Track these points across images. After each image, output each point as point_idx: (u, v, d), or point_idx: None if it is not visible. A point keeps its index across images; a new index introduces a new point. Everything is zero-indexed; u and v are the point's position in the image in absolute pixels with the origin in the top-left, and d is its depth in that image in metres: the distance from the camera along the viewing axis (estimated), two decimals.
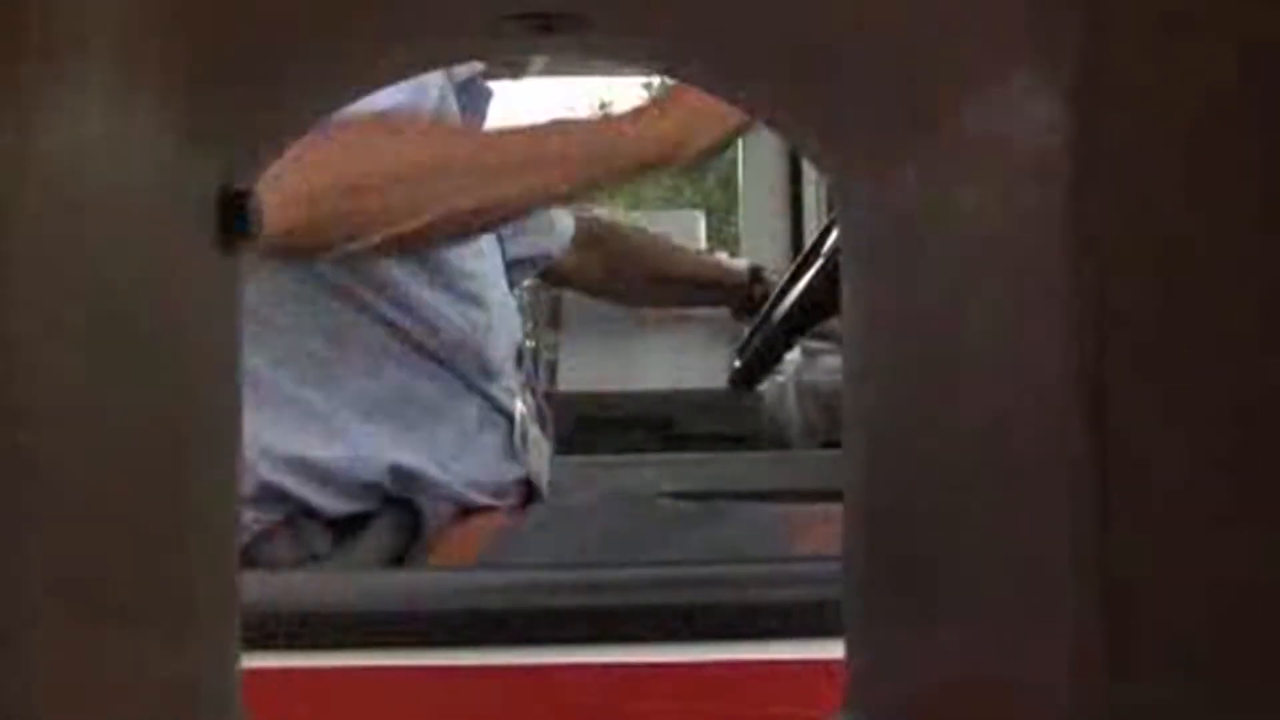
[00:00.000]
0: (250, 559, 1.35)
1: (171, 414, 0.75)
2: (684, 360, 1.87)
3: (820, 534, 1.41)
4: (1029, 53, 0.58)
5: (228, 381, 0.86)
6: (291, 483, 1.48)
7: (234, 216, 0.82)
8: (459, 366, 1.57)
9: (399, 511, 1.51)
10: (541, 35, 0.80)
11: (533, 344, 2.41)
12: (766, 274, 2.26)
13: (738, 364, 1.93)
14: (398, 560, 1.50)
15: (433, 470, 1.52)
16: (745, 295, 2.25)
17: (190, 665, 0.79)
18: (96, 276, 0.64)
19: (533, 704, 1.28)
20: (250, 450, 1.36)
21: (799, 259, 1.93)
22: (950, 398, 0.70)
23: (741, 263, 2.40)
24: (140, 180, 0.70)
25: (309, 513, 1.49)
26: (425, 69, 1.35)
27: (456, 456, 1.55)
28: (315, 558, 1.49)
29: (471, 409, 1.58)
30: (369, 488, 1.50)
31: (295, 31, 0.78)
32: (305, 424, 1.50)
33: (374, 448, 1.50)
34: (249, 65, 0.78)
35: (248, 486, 1.38)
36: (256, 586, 1.08)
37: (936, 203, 0.72)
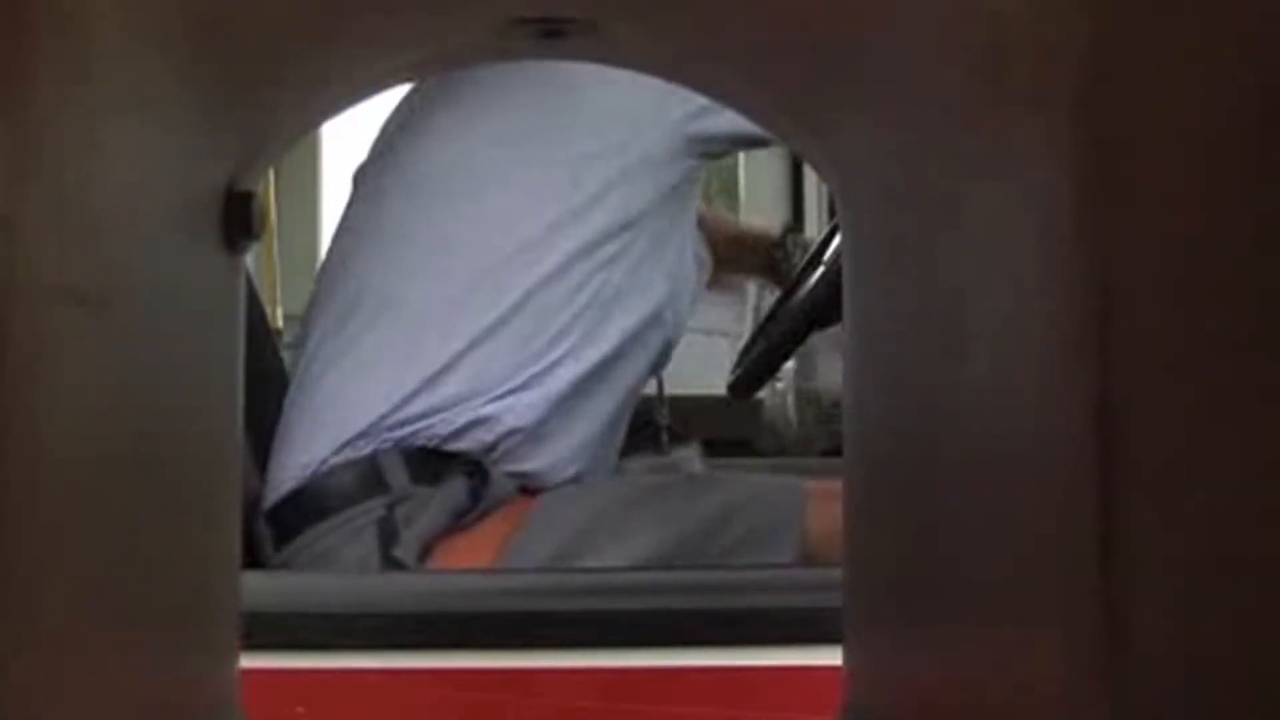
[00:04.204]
0: None
1: (173, 412, 0.75)
2: (684, 366, 1.88)
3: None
4: (1033, 60, 0.58)
5: (230, 380, 0.86)
6: None
7: (238, 217, 0.83)
8: None
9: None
10: (550, 41, 0.80)
11: None
12: (800, 238, 2.30)
13: (738, 371, 1.93)
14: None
15: None
16: (780, 253, 2.30)
17: (190, 665, 0.79)
18: (102, 276, 0.64)
19: (532, 708, 1.28)
20: None
21: (801, 265, 1.93)
22: (951, 403, 0.70)
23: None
24: (147, 181, 0.70)
25: None
26: (429, 73, 1.35)
27: None
28: None
29: None
30: None
31: (300, 36, 0.78)
32: None
33: None
34: (254, 69, 0.79)
35: None
36: (257, 586, 1.08)
37: (939, 209, 0.72)
